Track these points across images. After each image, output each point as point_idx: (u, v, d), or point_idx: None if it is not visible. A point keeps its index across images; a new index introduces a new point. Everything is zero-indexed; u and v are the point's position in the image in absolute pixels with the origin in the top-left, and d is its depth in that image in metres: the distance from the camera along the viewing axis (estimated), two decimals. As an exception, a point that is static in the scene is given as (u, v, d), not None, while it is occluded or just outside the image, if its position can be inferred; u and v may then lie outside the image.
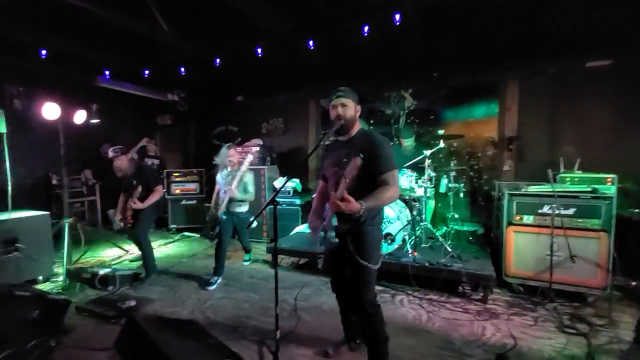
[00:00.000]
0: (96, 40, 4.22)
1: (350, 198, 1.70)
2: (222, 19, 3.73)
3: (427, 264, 3.33)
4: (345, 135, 2.03)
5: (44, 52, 4.21)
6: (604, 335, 2.53)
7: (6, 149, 3.77)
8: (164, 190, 6.04)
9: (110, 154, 3.65)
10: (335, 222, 1.94)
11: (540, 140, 4.50)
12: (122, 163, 3.65)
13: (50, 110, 3.80)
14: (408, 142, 4.51)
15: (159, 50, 4.43)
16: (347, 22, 3.69)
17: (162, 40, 4.01)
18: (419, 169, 4.04)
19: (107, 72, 5.19)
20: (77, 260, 4.26)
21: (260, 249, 4.99)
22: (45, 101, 3.79)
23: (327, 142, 2.09)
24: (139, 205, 3.57)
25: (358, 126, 2.06)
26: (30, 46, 4.14)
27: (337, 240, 1.91)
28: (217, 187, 3.87)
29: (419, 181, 3.86)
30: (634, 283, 3.20)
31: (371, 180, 1.87)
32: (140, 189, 3.61)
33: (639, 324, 2.25)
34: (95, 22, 3.60)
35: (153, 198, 3.64)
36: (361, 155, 1.71)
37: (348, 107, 1.97)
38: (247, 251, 4.31)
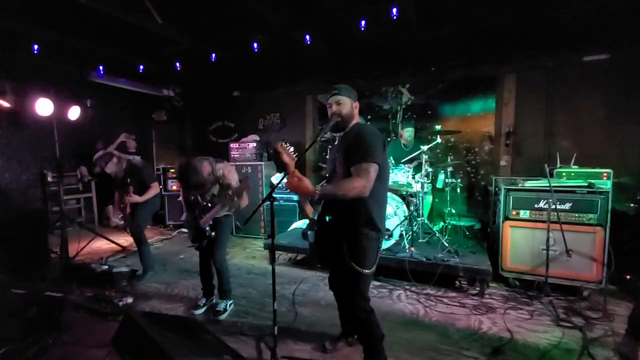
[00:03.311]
0: (89, 34, 4.15)
1: (301, 176, 1.66)
2: (217, 11, 3.69)
3: (424, 259, 3.34)
4: (343, 131, 2.03)
5: (36, 46, 4.14)
6: (599, 328, 2.56)
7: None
8: (161, 187, 6.04)
9: (97, 169, 3.59)
10: (315, 216, 1.93)
11: (537, 135, 4.51)
12: (112, 169, 3.60)
13: (44, 106, 3.76)
14: (408, 132, 4.50)
15: (153, 43, 4.37)
16: (344, 16, 3.66)
17: (157, 33, 3.95)
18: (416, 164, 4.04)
19: (101, 67, 5.13)
20: (74, 257, 4.24)
21: (258, 245, 5.00)
22: (39, 97, 3.75)
23: (325, 138, 2.09)
24: (135, 198, 3.50)
25: (356, 121, 2.05)
26: (22, 40, 4.07)
27: (312, 234, 1.88)
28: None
29: (416, 176, 3.86)
30: (628, 277, 3.24)
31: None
32: (132, 189, 3.51)
33: (632, 315, 2.27)
34: (88, 15, 3.54)
35: (150, 193, 3.59)
36: (284, 142, 1.68)
37: (343, 105, 1.95)
38: (223, 294, 2.95)
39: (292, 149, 1.75)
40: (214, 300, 3.04)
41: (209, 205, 2.83)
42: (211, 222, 2.83)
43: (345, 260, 1.88)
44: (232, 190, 2.67)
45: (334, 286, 2.26)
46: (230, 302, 2.99)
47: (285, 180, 1.71)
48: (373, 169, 1.74)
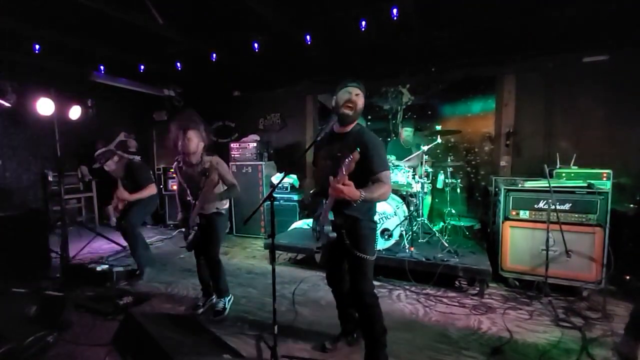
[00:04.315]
0: (90, 34, 4.16)
1: (351, 183, 1.72)
2: (218, 11, 3.69)
3: (424, 259, 3.35)
4: (343, 128, 2.03)
5: (37, 46, 4.15)
6: (598, 328, 2.56)
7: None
8: (161, 186, 6.05)
9: (97, 165, 3.58)
10: (332, 216, 1.95)
11: (537, 135, 4.52)
12: (111, 167, 3.59)
13: (45, 106, 3.77)
14: (407, 132, 4.51)
15: (154, 43, 4.38)
16: (344, 16, 3.66)
17: (158, 33, 3.96)
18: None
19: (102, 67, 5.14)
20: (74, 257, 4.25)
21: (258, 245, 5.01)
22: (40, 96, 3.76)
23: (322, 134, 2.09)
24: (124, 194, 3.45)
25: (355, 122, 2.05)
26: (23, 40, 4.08)
27: (335, 234, 1.93)
28: (177, 180, 2.94)
29: (416, 177, 3.87)
30: (628, 277, 3.24)
31: (363, 179, 1.88)
32: (120, 185, 3.50)
33: (632, 314, 2.27)
34: (89, 15, 3.55)
35: (142, 193, 3.54)
36: (358, 149, 1.72)
37: (360, 99, 2.01)
38: (220, 293, 2.95)
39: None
40: (214, 300, 3.04)
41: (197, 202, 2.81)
42: (198, 221, 2.76)
43: (349, 251, 1.97)
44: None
45: (333, 283, 2.27)
46: (229, 297, 2.99)
47: (332, 186, 1.75)
48: (389, 175, 1.98)
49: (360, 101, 2.00)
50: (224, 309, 2.88)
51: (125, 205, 3.59)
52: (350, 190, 1.72)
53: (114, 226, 3.82)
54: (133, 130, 6.41)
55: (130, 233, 3.62)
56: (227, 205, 2.95)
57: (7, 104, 4.20)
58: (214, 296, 3.06)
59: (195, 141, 2.75)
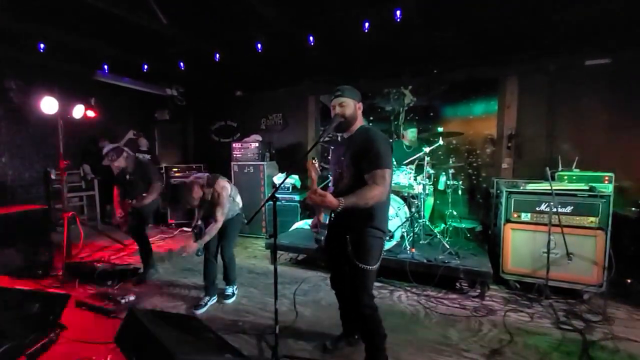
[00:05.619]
0: (94, 33, 4.19)
1: (324, 192, 1.66)
2: (220, 11, 3.71)
3: (425, 261, 3.35)
4: (347, 132, 2.05)
5: (42, 45, 4.17)
6: (599, 331, 2.56)
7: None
8: (162, 185, 6.05)
9: (106, 161, 3.58)
10: (326, 219, 1.96)
11: (539, 138, 4.52)
12: (121, 164, 3.60)
13: (49, 105, 3.79)
14: (412, 134, 4.50)
15: (157, 43, 4.40)
16: (345, 16, 3.67)
17: (161, 32, 3.98)
18: (417, 165, 4.05)
19: (105, 66, 5.16)
20: (76, 255, 4.26)
21: (259, 245, 5.02)
22: (44, 95, 3.78)
23: (328, 138, 2.11)
24: (142, 202, 3.52)
25: (360, 123, 2.06)
26: (28, 39, 4.10)
27: (322, 240, 1.96)
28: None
29: (418, 178, 3.87)
30: (629, 280, 3.24)
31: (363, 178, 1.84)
32: (144, 195, 3.54)
33: None
34: (93, 14, 3.57)
35: (152, 195, 3.58)
36: (314, 158, 1.77)
37: (347, 106, 1.96)
38: (229, 281, 3.22)
39: (317, 163, 1.85)
40: (215, 298, 3.10)
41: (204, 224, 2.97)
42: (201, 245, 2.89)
43: (349, 258, 1.92)
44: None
45: (336, 285, 2.28)
46: (236, 286, 3.27)
47: (307, 195, 1.72)
48: (388, 174, 1.80)
49: (348, 108, 1.95)
50: (233, 294, 3.18)
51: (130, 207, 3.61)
52: (323, 200, 1.64)
53: (116, 224, 3.83)
54: (136, 129, 6.43)
55: (140, 234, 3.65)
56: (240, 204, 3.17)
57: (16, 101, 4.22)
58: (215, 296, 3.11)
59: (196, 196, 2.88)
